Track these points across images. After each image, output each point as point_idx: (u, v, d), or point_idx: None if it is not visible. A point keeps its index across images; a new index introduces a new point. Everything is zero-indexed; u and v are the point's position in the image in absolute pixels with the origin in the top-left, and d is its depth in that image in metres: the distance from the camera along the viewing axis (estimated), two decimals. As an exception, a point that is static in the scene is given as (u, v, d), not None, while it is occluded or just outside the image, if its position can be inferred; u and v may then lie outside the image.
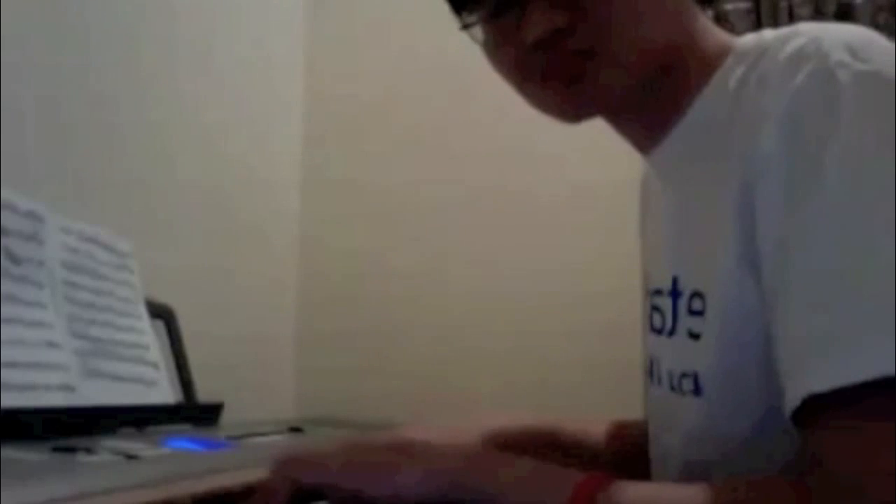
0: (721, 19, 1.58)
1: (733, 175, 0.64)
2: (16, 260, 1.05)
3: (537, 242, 1.81)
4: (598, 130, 0.80)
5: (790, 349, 0.57)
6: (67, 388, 1.04)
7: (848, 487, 0.52)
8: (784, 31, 0.67)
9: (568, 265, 1.75)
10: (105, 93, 1.45)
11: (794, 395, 0.56)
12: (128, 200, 1.48)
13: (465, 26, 0.71)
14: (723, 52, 0.72)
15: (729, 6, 1.61)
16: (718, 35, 0.75)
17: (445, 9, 0.73)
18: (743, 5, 1.61)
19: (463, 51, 0.77)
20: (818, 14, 1.56)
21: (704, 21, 0.75)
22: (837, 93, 0.58)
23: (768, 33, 0.69)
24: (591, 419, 0.94)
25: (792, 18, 1.56)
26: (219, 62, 1.74)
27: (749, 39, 0.71)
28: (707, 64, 0.72)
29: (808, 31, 0.63)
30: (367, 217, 1.97)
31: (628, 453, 0.87)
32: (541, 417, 0.91)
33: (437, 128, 1.89)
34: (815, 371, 0.55)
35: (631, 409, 0.97)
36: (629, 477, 0.60)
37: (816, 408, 0.54)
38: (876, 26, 1.49)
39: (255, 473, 0.69)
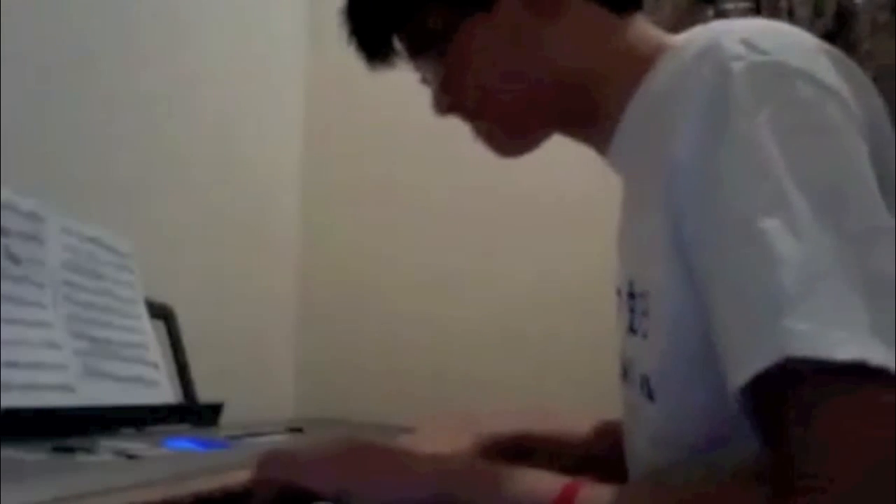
0: (721, 19, 1.58)
1: (659, 175, 0.64)
2: (16, 260, 1.05)
3: (539, 244, 1.81)
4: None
5: (719, 347, 0.58)
6: (67, 388, 1.04)
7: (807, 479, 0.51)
8: (697, 29, 0.69)
9: (572, 267, 1.75)
10: (105, 93, 1.45)
11: (732, 384, 0.56)
12: (128, 200, 1.48)
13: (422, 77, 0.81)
14: (655, 53, 0.73)
15: (729, 6, 1.61)
16: (649, 37, 0.76)
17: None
18: (743, 5, 1.62)
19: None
20: (818, 14, 1.56)
21: (635, 25, 0.76)
22: (729, 86, 0.59)
23: (695, 30, 0.70)
24: (584, 417, 0.94)
25: (792, 18, 1.56)
26: (219, 62, 1.74)
27: (680, 38, 0.73)
28: (636, 65, 0.73)
29: (711, 28, 0.65)
30: (367, 217, 1.97)
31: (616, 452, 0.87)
32: (534, 416, 0.92)
33: (437, 128, 1.89)
34: (734, 365, 0.55)
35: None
36: (619, 475, 0.61)
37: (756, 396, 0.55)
38: (876, 26, 1.49)
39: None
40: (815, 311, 0.52)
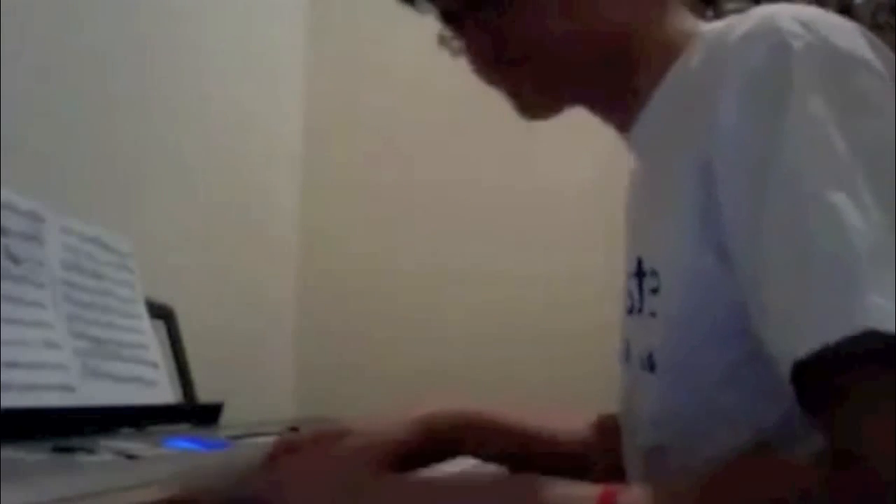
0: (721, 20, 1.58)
1: (693, 153, 0.64)
2: (16, 260, 1.05)
3: (539, 244, 1.81)
4: (604, 130, 0.80)
5: (773, 321, 0.57)
6: (67, 388, 1.04)
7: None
8: (733, 17, 0.68)
9: (572, 267, 1.75)
10: (106, 93, 1.45)
11: (784, 364, 0.55)
12: (128, 200, 1.48)
13: (441, 40, 0.77)
14: (688, 37, 0.74)
15: (729, 6, 1.61)
16: (684, 21, 0.77)
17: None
18: (743, 6, 1.62)
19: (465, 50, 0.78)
20: (818, 14, 1.56)
21: (671, 7, 0.77)
22: (790, 62, 0.60)
23: (731, 18, 0.70)
24: (555, 413, 0.93)
25: (792, 18, 1.56)
26: (219, 62, 1.75)
27: (716, 25, 0.73)
28: (670, 48, 0.74)
29: (761, 10, 0.65)
30: (367, 217, 1.97)
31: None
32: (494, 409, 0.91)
33: (438, 128, 1.89)
34: (799, 335, 0.54)
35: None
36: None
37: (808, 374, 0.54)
38: (876, 26, 1.49)
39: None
40: (890, 287, 0.52)
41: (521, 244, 1.84)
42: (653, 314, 0.70)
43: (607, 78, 0.76)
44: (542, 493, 0.60)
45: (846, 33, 0.62)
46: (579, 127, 0.84)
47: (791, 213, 0.57)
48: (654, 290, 0.69)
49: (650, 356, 0.69)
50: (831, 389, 0.54)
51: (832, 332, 0.52)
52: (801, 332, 0.54)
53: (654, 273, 0.69)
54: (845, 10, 1.56)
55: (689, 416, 0.66)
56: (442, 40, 0.76)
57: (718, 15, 1.69)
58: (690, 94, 0.68)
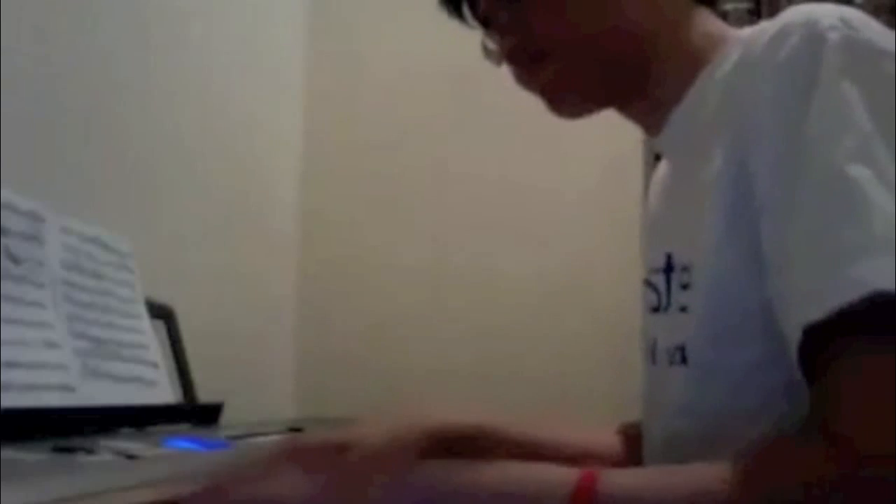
0: (721, 20, 1.58)
1: (725, 149, 0.66)
2: (16, 260, 1.05)
3: (542, 239, 1.81)
4: (604, 129, 0.81)
5: (792, 291, 0.59)
6: (67, 388, 1.04)
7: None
8: (764, 23, 0.70)
9: (574, 265, 1.75)
10: (106, 93, 1.45)
11: (793, 330, 0.57)
12: (128, 200, 1.48)
13: (486, 51, 0.79)
14: (717, 41, 0.75)
15: (729, 6, 1.61)
16: (713, 26, 0.78)
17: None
18: (743, 6, 1.62)
19: (467, 45, 0.79)
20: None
21: (698, 12, 0.78)
22: (826, 51, 0.61)
23: (762, 24, 0.71)
24: (559, 423, 0.92)
25: (792, 18, 1.56)
26: (220, 61, 1.74)
27: (748, 30, 0.74)
28: (699, 51, 0.75)
29: (797, 8, 0.66)
30: (368, 218, 1.97)
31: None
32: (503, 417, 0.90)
33: (438, 126, 1.89)
34: (814, 299, 0.56)
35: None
36: None
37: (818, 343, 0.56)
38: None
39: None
40: None
41: (522, 239, 1.83)
42: (683, 309, 0.70)
43: (632, 79, 0.77)
44: (518, 476, 0.62)
45: (882, 32, 0.64)
46: (580, 127, 0.84)
47: (816, 188, 0.58)
48: (685, 286, 0.70)
49: (682, 350, 0.70)
50: (828, 358, 0.56)
51: (845, 295, 0.54)
52: (815, 296, 0.56)
53: (686, 269, 0.70)
54: (845, 10, 1.56)
55: (713, 408, 0.67)
56: (485, 51, 0.79)
57: (718, 15, 1.68)
58: (724, 95, 0.69)
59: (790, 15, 0.66)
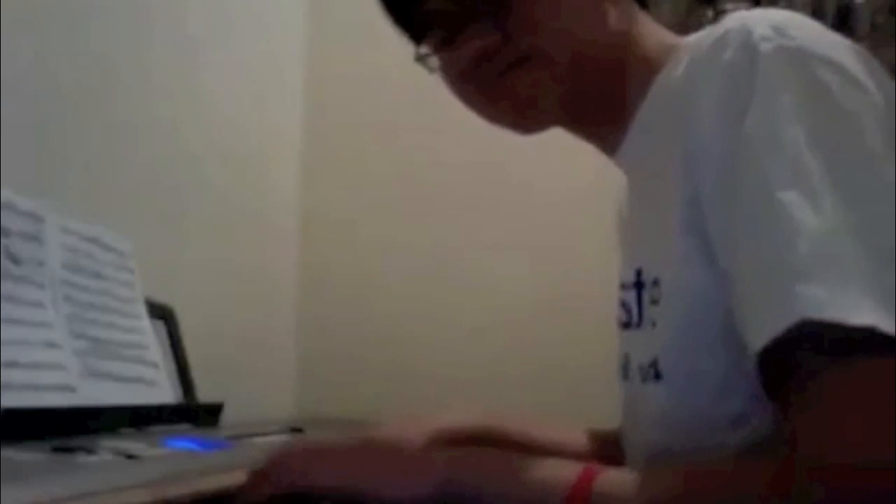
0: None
1: (677, 159, 0.66)
2: (16, 260, 1.05)
3: (544, 239, 1.81)
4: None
5: (739, 317, 0.60)
6: (67, 388, 1.04)
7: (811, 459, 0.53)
8: (707, 29, 0.70)
9: (574, 264, 1.75)
10: (106, 93, 1.45)
11: (751, 349, 0.58)
12: (128, 200, 1.48)
13: (419, 58, 0.77)
14: (668, 51, 0.75)
15: (728, 6, 1.61)
16: (662, 35, 0.78)
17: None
18: (742, 6, 1.62)
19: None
20: (817, 14, 1.56)
21: (646, 22, 0.78)
22: (758, 63, 0.61)
23: (705, 30, 0.71)
24: (558, 425, 0.94)
25: (791, 18, 1.56)
26: (219, 59, 1.74)
27: (692, 37, 0.74)
28: (651, 63, 0.75)
29: (734, 16, 0.66)
30: (369, 218, 1.97)
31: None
32: (502, 417, 0.92)
33: (438, 124, 1.89)
34: (753, 330, 0.57)
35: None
36: None
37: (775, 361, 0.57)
38: (875, 26, 1.49)
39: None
40: (831, 278, 0.54)
41: (522, 239, 1.83)
42: (654, 324, 0.70)
43: (600, 91, 0.76)
44: (523, 469, 0.62)
45: (821, 38, 0.63)
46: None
47: (746, 213, 0.59)
48: (655, 301, 0.70)
49: (654, 365, 0.70)
50: (783, 379, 0.57)
51: (777, 325, 0.55)
52: (754, 327, 0.57)
53: (656, 282, 0.70)
54: (845, 10, 1.56)
55: (692, 419, 0.67)
56: (419, 58, 0.78)
57: (718, 15, 1.69)
58: (674, 103, 0.69)
59: (729, 21, 0.65)
